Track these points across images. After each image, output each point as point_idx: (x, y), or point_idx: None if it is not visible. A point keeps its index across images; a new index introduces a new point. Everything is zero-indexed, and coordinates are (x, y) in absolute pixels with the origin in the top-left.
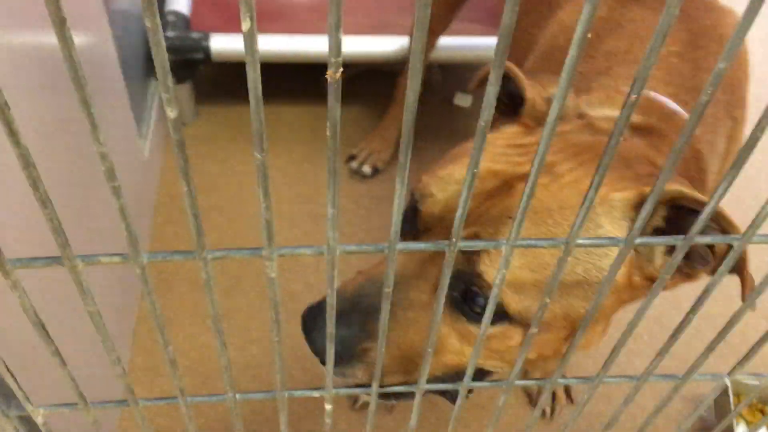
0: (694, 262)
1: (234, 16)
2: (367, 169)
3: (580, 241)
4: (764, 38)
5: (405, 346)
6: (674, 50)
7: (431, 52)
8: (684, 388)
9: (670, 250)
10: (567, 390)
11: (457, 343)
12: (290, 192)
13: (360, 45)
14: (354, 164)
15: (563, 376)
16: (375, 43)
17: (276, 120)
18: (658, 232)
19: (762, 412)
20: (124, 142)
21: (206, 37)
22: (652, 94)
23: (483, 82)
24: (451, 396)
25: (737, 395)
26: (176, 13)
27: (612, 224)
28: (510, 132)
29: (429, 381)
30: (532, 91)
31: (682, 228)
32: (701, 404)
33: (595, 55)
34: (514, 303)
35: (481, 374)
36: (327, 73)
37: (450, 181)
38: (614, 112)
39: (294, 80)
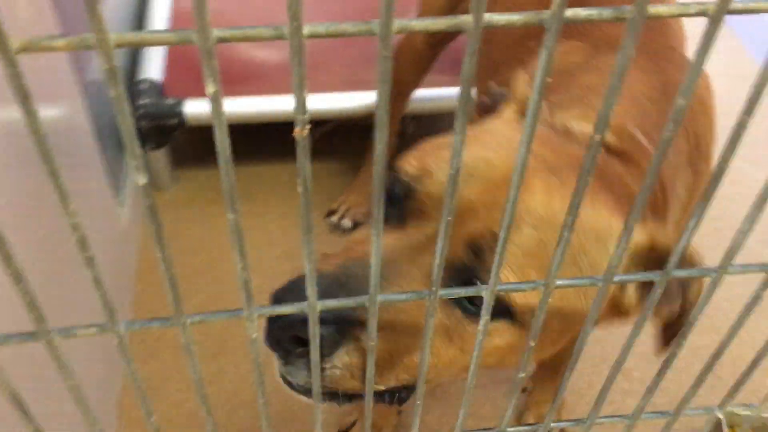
0: (662, 300)
1: None
2: (347, 222)
3: (559, 282)
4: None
5: (389, 339)
6: (647, 94)
7: (404, 109)
8: (678, 424)
9: (643, 284)
10: None
11: (438, 340)
12: (273, 250)
13: (334, 101)
14: (334, 219)
15: (557, 420)
16: (349, 98)
17: (255, 179)
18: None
19: None
20: (101, 211)
21: (180, 103)
22: (624, 122)
23: None
24: (399, 399)
25: (731, 427)
26: (149, 81)
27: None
28: (507, 119)
29: (389, 390)
30: (516, 81)
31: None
32: None
33: (570, 88)
34: (520, 297)
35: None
36: (294, 131)
37: None
38: (589, 130)
39: (271, 139)
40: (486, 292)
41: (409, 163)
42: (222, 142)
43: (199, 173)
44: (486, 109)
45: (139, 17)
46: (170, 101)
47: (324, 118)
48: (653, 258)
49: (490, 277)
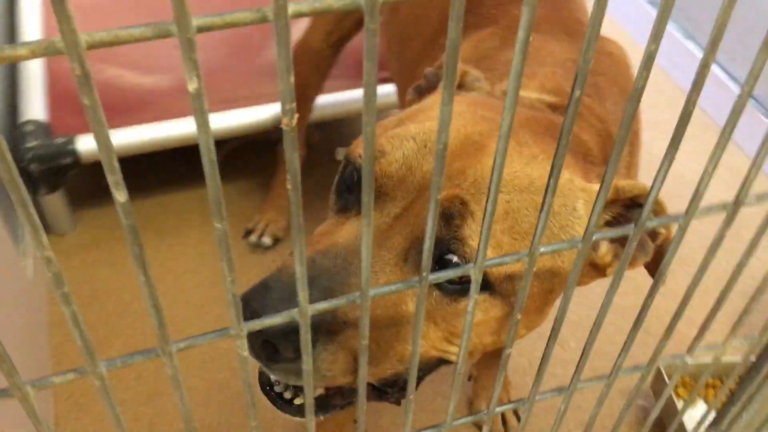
0: (637, 251)
1: None
2: (267, 240)
3: (543, 249)
4: None
5: (370, 331)
6: (570, 58)
7: (309, 116)
8: (619, 382)
9: (614, 239)
10: (515, 410)
11: (423, 325)
12: (194, 278)
13: (234, 119)
14: (253, 238)
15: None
16: (248, 114)
17: (162, 210)
18: (607, 224)
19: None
20: (5, 264)
21: (71, 141)
22: (559, 83)
23: None
24: (396, 397)
25: (670, 377)
26: (34, 122)
27: (587, 213)
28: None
29: (379, 383)
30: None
31: (627, 218)
32: (666, 389)
33: (496, 66)
34: (497, 269)
35: (436, 365)
36: (282, 122)
37: (406, 137)
38: (530, 94)
39: (171, 168)
40: (474, 270)
41: (362, 148)
42: (206, 143)
43: (100, 213)
44: (423, 91)
45: (10, 35)
46: (60, 140)
47: (226, 137)
48: (619, 203)
49: (477, 254)
